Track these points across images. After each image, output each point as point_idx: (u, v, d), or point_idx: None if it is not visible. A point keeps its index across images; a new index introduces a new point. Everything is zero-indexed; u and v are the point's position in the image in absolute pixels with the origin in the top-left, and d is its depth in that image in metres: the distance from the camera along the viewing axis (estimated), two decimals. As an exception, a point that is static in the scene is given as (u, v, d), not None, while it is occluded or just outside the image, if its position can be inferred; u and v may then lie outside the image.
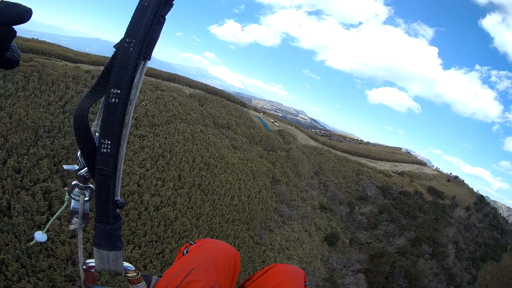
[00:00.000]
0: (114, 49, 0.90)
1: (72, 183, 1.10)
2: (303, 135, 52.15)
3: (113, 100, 0.87)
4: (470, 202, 56.82)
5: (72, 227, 1.13)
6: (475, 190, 66.04)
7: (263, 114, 51.19)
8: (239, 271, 1.72)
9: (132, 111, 0.95)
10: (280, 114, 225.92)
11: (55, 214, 1.33)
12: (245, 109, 41.27)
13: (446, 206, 48.80)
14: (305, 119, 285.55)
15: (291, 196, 29.38)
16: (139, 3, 0.88)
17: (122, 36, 0.91)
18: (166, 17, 0.94)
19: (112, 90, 0.87)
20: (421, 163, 72.81)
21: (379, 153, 64.96)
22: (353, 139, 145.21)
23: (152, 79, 31.15)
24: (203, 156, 22.03)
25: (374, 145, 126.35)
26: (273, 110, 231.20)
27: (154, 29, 0.90)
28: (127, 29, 0.88)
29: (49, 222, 1.52)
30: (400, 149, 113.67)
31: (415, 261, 34.62)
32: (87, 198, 1.11)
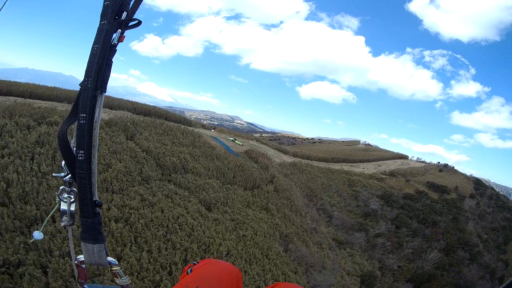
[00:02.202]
0: (79, 86, 1.17)
1: (60, 188, 1.30)
2: (271, 149, 42.02)
3: (82, 121, 1.15)
4: (470, 189, 54.16)
5: (62, 224, 1.32)
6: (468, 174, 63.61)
7: (214, 130, 39.41)
8: None
9: (98, 127, 1.20)
10: (216, 123, 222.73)
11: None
12: (195, 129, 29.26)
13: (455, 200, 45.06)
14: (242, 124, 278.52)
15: (311, 251, 19.70)
16: (91, 50, 1.16)
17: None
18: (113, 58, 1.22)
19: (81, 114, 1.15)
20: (402, 156, 68.12)
21: (355, 154, 59.19)
22: (303, 139, 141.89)
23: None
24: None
25: (330, 142, 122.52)
26: (207, 119, 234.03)
27: (104, 69, 1.18)
28: (85, 70, 1.16)
29: (44, 223, 1.80)
30: (358, 141, 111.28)
31: (458, 272, 30.47)
32: (73, 200, 1.30)
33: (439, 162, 65.51)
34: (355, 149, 73.41)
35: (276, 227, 18.17)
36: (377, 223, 33.14)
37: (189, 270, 1.71)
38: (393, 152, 69.77)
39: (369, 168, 49.77)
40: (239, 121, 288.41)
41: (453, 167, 63.23)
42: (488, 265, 33.97)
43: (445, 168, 61.32)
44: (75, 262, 1.38)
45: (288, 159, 40.24)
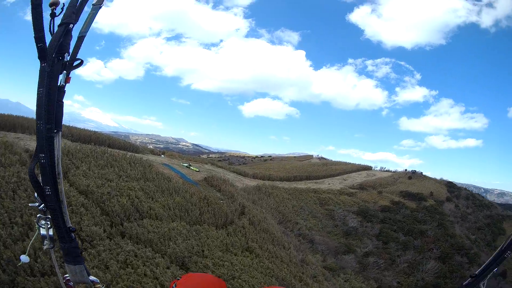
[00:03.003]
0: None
1: (37, 216, 1.43)
2: (229, 173, 37.77)
3: (42, 160, 1.26)
4: (445, 192, 53.88)
5: (44, 247, 1.44)
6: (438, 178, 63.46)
7: (164, 156, 34.51)
8: None
9: (60, 164, 1.34)
10: (162, 146, 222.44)
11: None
12: (143, 156, 24.69)
13: (434, 206, 43.92)
14: (187, 146, 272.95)
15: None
16: (37, 93, 1.24)
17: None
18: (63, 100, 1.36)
19: (40, 154, 1.26)
20: (366, 167, 66.82)
21: (316, 170, 56.84)
22: (253, 157, 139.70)
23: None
24: None
25: (282, 158, 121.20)
26: (153, 143, 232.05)
27: (56, 110, 1.29)
28: (36, 112, 1.25)
29: (28, 247, 2.18)
30: (311, 156, 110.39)
31: (462, 277, 28.09)
32: (50, 226, 1.41)
33: (406, 170, 65.32)
34: (313, 164, 71.37)
35: (270, 273, 14.17)
36: (361, 241, 30.56)
37: (173, 286, 1.68)
38: (355, 164, 68.87)
39: (335, 184, 47.74)
40: (184, 143, 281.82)
41: (421, 172, 63.04)
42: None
43: (414, 175, 60.83)
44: (63, 280, 1.50)
45: (249, 182, 36.65)
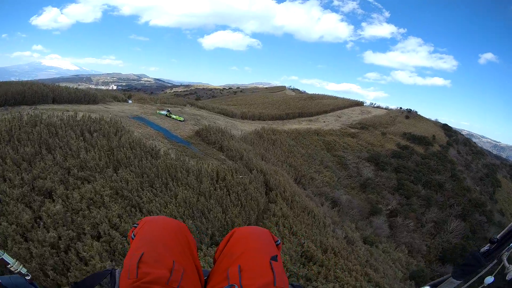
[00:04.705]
0: None
1: None
2: (214, 115, 30.60)
3: None
4: (444, 136, 50.91)
5: None
6: (427, 117, 60.44)
7: (131, 101, 26.35)
8: (194, 243, 1.51)
9: None
10: (124, 83, 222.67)
11: None
12: (103, 107, 17.84)
13: (442, 153, 40.94)
14: (150, 81, 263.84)
15: None
16: None
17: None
18: None
19: None
20: (358, 103, 62.31)
21: (307, 106, 50.31)
22: (221, 89, 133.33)
23: None
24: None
25: (253, 90, 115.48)
26: (114, 81, 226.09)
27: None
28: None
29: None
30: (284, 87, 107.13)
31: (484, 238, 25.65)
32: None
33: (400, 108, 61.89)
34: (291, 97, 65.70)
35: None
36: (381, 195, 26.70)
37: (132, 236, 1.49)
38: (346, 99, 64.21)
39: (330, 121, 43.01)
40: (146, 79, 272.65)
41: (416, 112, 59.75)
42: (502, 223, 30.39)
43: (410, 114, 57.29)
44: None
45: (243, 125, 30.37)
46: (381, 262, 16.34)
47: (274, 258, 1.36)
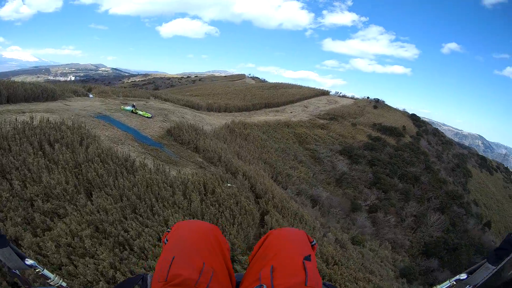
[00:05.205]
0: None
1: None
2: (184, 109, 27.92)
3: None
4: (413, 126, 50.89)
5: None
6: (394, 107, 60.50)
7: (92, 95, 23.01)
8: (227, 245, 1.50)
9: None
10: (82, 74, 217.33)
11: None
12: (63, 105, 15.21)
13: (414, 144, 41.05)
14: (107, 71, 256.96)
15: None
16: None
17: None
18: None
19: None
20: (324, 92, 61.21)
21: (273, 96, 48.78)
22: (179, 78, 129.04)
23: None
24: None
25: (212, 79, 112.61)
26: (73, 72, 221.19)
27: None
28: None
29: None
30: (244, 75, 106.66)
31: (465, 231, 26.75)
32: None
33: (368, 97, 61.34)
34: (252, 86, 64.44)
35: None
36: (357, 190, 25.64)
37: (165, 240, 1.50)
38: (312, 87, 63.24)
39: (298, 112, 41.67)
40: (103, 68, 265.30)
41: (384, 101, 59.53)
42: (476, 213, 31.54)
43: (378, 104, 56.93)
44: (6, 269, 1.34)
45: (210, 118, 28.01)
46: (372, 263, 15.08)
47: (308, 258, 1.32)
